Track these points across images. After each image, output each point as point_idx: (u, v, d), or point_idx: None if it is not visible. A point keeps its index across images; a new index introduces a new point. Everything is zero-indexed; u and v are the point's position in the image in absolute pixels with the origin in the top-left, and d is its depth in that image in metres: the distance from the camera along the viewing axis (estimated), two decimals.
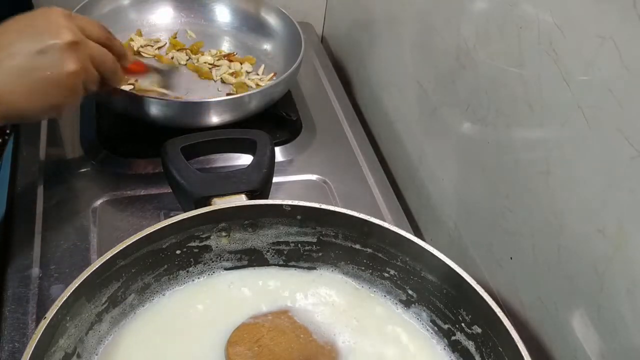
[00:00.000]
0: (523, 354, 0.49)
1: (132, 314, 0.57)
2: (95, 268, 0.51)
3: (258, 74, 0.92)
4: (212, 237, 0.60)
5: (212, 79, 0.90)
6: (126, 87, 0.82)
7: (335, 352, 0.56)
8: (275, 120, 0.88)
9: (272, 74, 0.92)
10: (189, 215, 0.57)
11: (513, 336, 0.50)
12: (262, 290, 0.61)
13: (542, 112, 0.57)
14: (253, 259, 0.63)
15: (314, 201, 0.59)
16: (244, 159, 0.80)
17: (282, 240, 0.62)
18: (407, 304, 0.61)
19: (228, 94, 0.87)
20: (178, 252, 0.59)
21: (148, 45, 0.93)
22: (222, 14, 1.00)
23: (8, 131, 0.79)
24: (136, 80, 0.85)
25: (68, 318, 0.50)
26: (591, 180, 0.51)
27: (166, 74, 0.89)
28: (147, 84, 0.86)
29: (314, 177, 0.83)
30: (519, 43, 0.58)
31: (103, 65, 0.63)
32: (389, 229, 0.58)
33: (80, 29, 0.60)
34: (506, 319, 0.51)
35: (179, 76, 0.90)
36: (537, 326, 0.61)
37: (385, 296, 0.62)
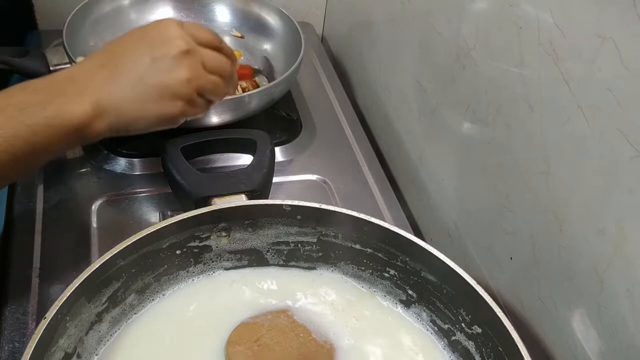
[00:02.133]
0: (523, 354, 0.49)
1: (132, 314, 0.57)
2: (95, 268, 0.51)
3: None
4: (212, 237, 0.60)
5: None
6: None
7: (334, 351, 0.56)
8: (275, 120, 0.88)
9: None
10: (189, 215, 0.57)
11: (513, 336, 0.50)
12: (261, 289, 0.61)
13: (542, 112, 0.57)
14: (253, 259, 0.63)
15: (314, 201, 0.59)
16: (244, 159, 0.80)
17: (282, 240, 0.62)
18: (407, 304, 0.61)
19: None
20: (178, 252, 0.59)
21: None
22: (222, 14, 1.00)
23: None
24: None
25: (68, 318, 0.50)
26: (591, 180, 0.51)
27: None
28: None
29: (314, 177, 0.83)
30: (519, 43, 0.58)
31: (220, 70, 0.62)
32: (389, 229, 0.58)
33: (192, 37, 0.59)
34: (506, 319, 0.51)
35: None
36: (537, 326, 0.61)
37: (385, 296, 0.62)
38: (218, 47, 0.63)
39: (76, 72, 0.56)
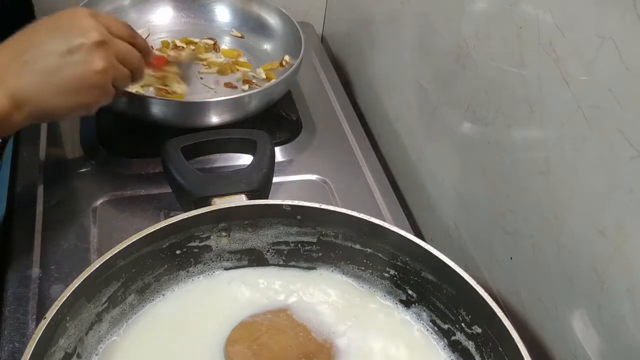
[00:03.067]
0: (523, 354, 0.49)
1: (132, 314, 0.57)
2: (95, 268, 0.51)
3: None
4: (212, 237, 0.60)
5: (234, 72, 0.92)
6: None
7: (334, 351, 0.56)
8: (275, 120, 0.88)
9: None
10: (189, 215, 0.57)
11: (513, 336, 0.50)
12: (261, 289, 0.61)
13: (542, 112, 0.57)
14: (253, 259, 0.63)
15: (314, 201, 0.59)
16: (244, 159, 0.80)
17: (282, 240, 0.62)
18: (407, 304, 0.61)
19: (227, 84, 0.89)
20: (178, 252, 0.59)
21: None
22: (222, 14, 1.00)
23: None
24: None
25: (68, 318, 0.50)
26: (591, 180, 0.51)
27: (184, 67, 0.90)
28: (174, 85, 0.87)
29: (314, 177, 0.83)
30: (519, 43, 0.58)
31: (129, 62, 0.64)
32: (389, 229, 0.58)
33: (106, 27, 0.61)
34: (506, 319, 0.51)
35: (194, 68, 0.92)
36: (537, 326, 0.61)
37: (385, 296, 0.62)
38: (131, 39, 0.65)
39: None
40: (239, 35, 0.98)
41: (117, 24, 0.63)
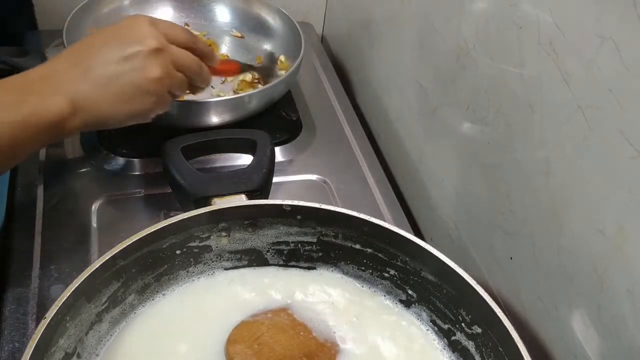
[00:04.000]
0: (523, 354, 0.49)
1: (132, 314, 0.57)
2: (95, 268, 0.51)
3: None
4: (212, 237, 0.60)
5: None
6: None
7: (335, 350, 0.56)
8: (275, 120, 0.88)
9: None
10: (189, 215, 0.57)
11: (513, 336, 0.50)
12: (261, 288, 0.61)
13: (542, 112, 0.57)
14: (253, 259, 0.63)
15: (314, 201, 0.59)
16: (244, 159, 0.80)
17: (282, 240, 0.62)
18: (407, 304, 0.61)
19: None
20: (178, 252, 0.59)
21: None
22: (222, 14, 1.00)
23: None
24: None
25: (68, 318, 0.50)
26: (591, 180, 0.51)
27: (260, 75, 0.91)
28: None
29: (314, 177, 0.83)
30: (519, 43, 0.58)
31: (187, 68, 0.64)
32: (389, 229, 0.58)
33: (164, 35, 0.61)
34: (506, 319, 0.51)
35: None
36: (537, 326, 0.61)
37: (385, 296, 0.62)
38: (191, 45, 0.64)
39: (50, 71, 0.57)
40: (239, 35, 0.98)
41: (176, 30, 0.64)
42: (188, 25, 0.98)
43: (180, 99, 0.72)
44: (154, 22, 0.61)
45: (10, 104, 0.53)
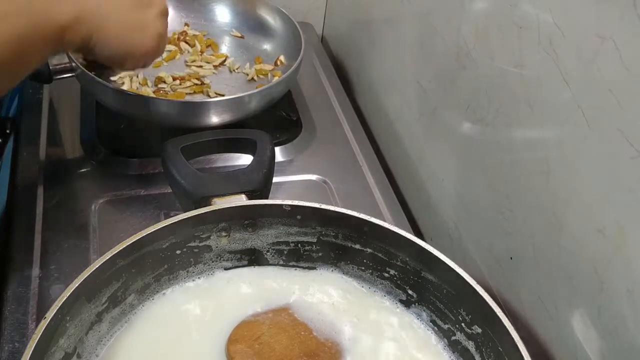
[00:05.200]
0: (523, 354, 0.49)
1: (132, 314, 0.57)
2: (95, 268, 0.51)
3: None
4: (212, 237, 0.60)
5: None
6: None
7: (335, 349, 0.56)
8: (275, 120, 0.88)
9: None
10: (189, 215, 0.57)
11: (513, 336, 0.50)
12: (262, 288, 0.61)
13: (542, 112, 0.57)
14: (253, 259, 0.63)
15: (314, 201, 0.59)
16: (244, 159, 0.80)
17: (282, 240, 0.62)
18: (407, 304, 0.61)
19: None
20: (178, 252, 0.59)
21: None
22: (222, 14, 1.00)
23: (8, 131, 0.79)
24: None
25: (68, 318, 0.50)
26: (591, 180, 0.51)
27: None
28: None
29: (314, 177, 0.83)
30: (519, 43, 0.58)
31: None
32: (389, 229, 0.58)
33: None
34: (506, 319, 0.51)
35: None
36: (537, 326, 0.61)
37: (385, 296, 0.62)
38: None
39: None
40: (239, 35, 0.98)
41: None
42: (188, 26, 0.98)
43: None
44: None
45: (18, 9, 0.52)
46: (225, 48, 0.97)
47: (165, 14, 0.65)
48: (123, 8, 0.60)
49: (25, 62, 0.54)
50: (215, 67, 0.92)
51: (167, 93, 0.86)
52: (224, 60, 0.93)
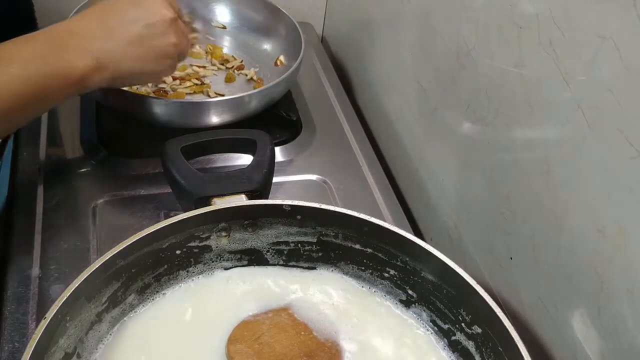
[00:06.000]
0: (523, 354, 0.49)
1: (132, 314, 0.57)
2: (95, 268, 0.51)
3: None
4: (212, 237, 0.60)
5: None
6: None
7: (335, 349, 0.56)
8: (275, 120, 0.88)
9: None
10: (189, 215, 0.57)
11: (513, 336, 0.50)
12: (262, 288, 0.61)
13: (542, 112, 0.57)
14: (253, 259, 0.63)
15: (314, 201, 0.59)
16: (244, 159, 0.80)
17: (282, 240, 0.62)
18: (407, 304, 0.61)
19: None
20: (178, 252, 0.59)
21: None
22: (222, 14, 1.00)
23: None
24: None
25: (68, 318, 0.50)
26: (591, 180, 0.51)
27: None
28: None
29: (314, 177, 0.83)
30: (519, 43, 0.58)
31: (187, 36, 0.72)
32: (389, 229, 0.58)
33: (172, 6, 0.68)
34: (506, 319, 0.51)
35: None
36: (537, 326, 0.61)
37: (385, 296, 0.62)
38: (181, 15, 0.72)
39: (75, 27, 0.62)
40: (221, 26, 0.99)
41: (176, 4, 0.70)
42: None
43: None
44: None
45: (38, 57, 0.58)
46: (225, 48, 0.97)
47: (173, 20, 0.67)
48: (135, 42, 0.64)
49: (45, 102, 0.61)
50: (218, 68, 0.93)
51: (167, 93, 0.86)
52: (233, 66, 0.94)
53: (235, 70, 0.93)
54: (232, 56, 0.96)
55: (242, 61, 0.95)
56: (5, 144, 0.79)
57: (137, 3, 0.66)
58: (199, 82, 0.89)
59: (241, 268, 0.63)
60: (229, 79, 0.92)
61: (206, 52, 0.95)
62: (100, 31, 0.63)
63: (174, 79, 0.88)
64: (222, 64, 0.94)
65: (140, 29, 0.64)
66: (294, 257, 0.63)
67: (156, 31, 0.65)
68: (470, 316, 0.55)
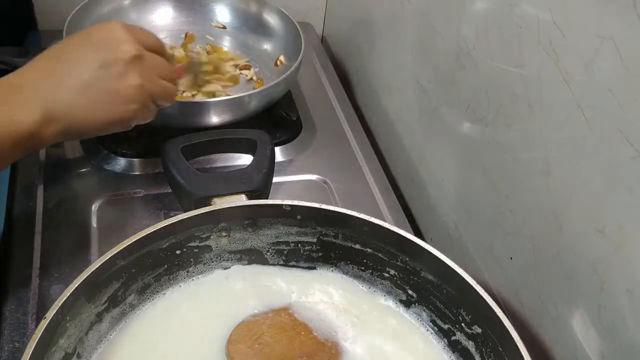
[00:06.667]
0: (523, 354, 0.49)
1: (132, 314, 0.57)
2: (95, 268, 0.51)
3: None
4: (212, 237, 0.60)
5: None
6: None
7: (335, 350, 0.56)
8: (275, 120, 0.88)
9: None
10: (189, 215, 0.57)
11: (513, 336, 0.50)
12: (262, 288, 0.61)
13: (542, 112, 0.57)
14: (253, 259, 0.63)
15: (314, 201, 0.59)
16: (244, 159, 0.80)
17: (282, 240, 0.62)
18: (407, 304, 0.61)
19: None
20: (178, 252, 0.59)
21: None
22: (222, 14, 1.00)
23: None
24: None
25: (68, 318, 0.50)
26: (591, 180, 0.51)
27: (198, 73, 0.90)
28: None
29: (314, 177, 0.83)
30: (519, 43, 0.58)
31: (167, 75, 0.63)
32: (389, 229, 0.58)
33: (139, 41, 0.59)
34: (506, 319, 0.51)
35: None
36: (537, 326, 0.61)
37: (385, 296, 0.62)
38: (161, 51, 0.63)
39: (21, 80, 0.55)
40: (221, 26, 0.98)
41: (149, 36, 0.62)
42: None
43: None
44: (129, 28, 0.59)
45: None
46: (225, 48, 0.97)
47: (135, 58, 0.58)
48: (87, 88, 0.56)
49: None
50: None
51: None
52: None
53: (239, 70, 0.93)
54: (238, 54, 0.96)
55: (248, 61, 0.95)
56: None
57: (89, 41, 0.58)
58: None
59: (241, 268, 0.63)
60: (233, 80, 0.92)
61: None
62: (49, 79, 0.55)
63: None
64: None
65: (92, 72, 0.56)
66: (294, 257, 0.63)
67: (111, 72, 0.56)
68: (470, 316, 0.55)
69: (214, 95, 0.87)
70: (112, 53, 0.57)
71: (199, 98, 0.85)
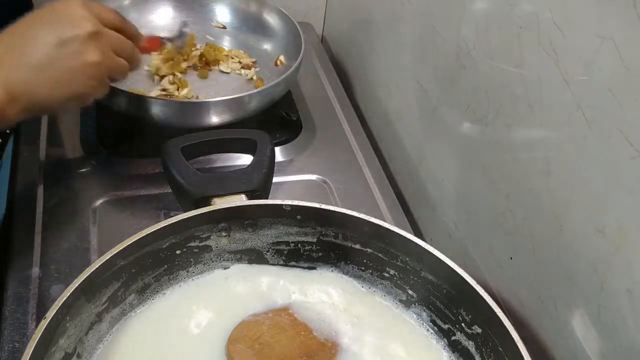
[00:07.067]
0: (523, 354, 0.49)
1: (132, 314, 0.57)
2: (95, 268, 0.51)
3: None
4: (212, 237, 0.60)
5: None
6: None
7: (335, 350, 0.56)
8: (275, 120, 0.88)
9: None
10: (189, 215, 0.57)
11: (513, 336, 0.50)
12: (262, 288, 0.61)
13: (542, 112, 0.57)
14: (253, 259, 0.63)
15: (314, 201, 0.59)
16: (244, 159, 0.80)
17: (282, 240, 0.62)
18: (407, 304, 0.61)
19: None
20: (178, 252, 0.59)
21: None
22: (222, 14, 1.00)
23: (8, 131, 0.79)
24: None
25: (68, 318, 0.50)
26: (591, 180, 0.51)
27: (180, 46, 0.90)
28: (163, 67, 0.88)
29: (314, 177, 0.83)
30: (519, 43, 0.58)
31: (124, 52, 0.64)
32: (389, 229, 0.58)
33: (98, 17, 0.61)
34: (506, 319, 0.51)
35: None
36: (537, 326, 0.61)
37: (385, 296, 0.62)
38: (121, 27, 0.65)
39: None
40: (221, 25, 0.98)
41: (108, 13, 0.63)
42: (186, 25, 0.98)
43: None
44: (87, 5, 0.60)
45: None
46: (226, 48, 0.97)
47: (93, 35, 0.59)
48: (46, 66, 0.57)
49: None
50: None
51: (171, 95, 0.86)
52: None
53: (242, 69, 0.93)
54: (246, 53, 0.96)
55: (255, 60, 0.95)
56: (5, 144, 0.79)
57: (48, 20, 0.58)
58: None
59: (241, 268, 0.63)
60: (202, 76, 0.91)
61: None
62: (9, 58, 0.56)
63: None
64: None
65: (51, 50, 0.57)
66: (294, 257, 0.63)
67: (70, 50, 0.57)
68: (470, 316, 0.55)
69: (184, 73, 0.88)
70: (70, 30, 0.58)
71: (184, 94, 0.86)
